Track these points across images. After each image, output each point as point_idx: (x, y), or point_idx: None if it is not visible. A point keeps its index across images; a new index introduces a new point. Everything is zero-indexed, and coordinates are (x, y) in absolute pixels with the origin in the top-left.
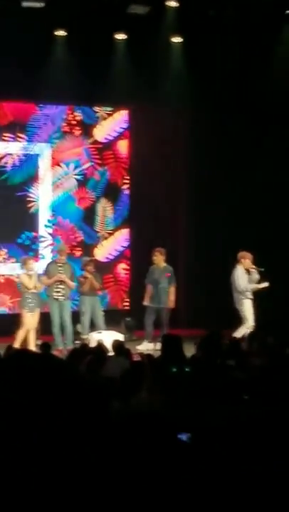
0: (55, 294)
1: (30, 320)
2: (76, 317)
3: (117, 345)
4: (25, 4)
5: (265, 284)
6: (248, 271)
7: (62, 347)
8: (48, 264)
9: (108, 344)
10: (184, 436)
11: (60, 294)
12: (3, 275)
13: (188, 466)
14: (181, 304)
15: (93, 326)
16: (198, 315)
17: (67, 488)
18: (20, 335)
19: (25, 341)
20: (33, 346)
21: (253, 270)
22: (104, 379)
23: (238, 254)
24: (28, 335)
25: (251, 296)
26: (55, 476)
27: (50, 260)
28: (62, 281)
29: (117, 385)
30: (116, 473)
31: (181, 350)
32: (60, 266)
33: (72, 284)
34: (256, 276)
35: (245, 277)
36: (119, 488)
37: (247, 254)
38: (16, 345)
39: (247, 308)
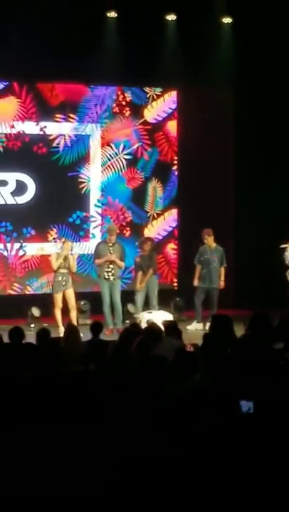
0: (105, 273)
1: (59, 299)
2: (127, 296)
3: (170, 326)
4: None
5: None
6: None
7: (112, 326)
8: (98, 244)
9: (158, 324)
10: (247, 405)
11: (110, 274)
12: None
13: (248, 442)
14: (230, 284)
15: (145, 306)
16: (247, 295)
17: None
18: (56, 314)
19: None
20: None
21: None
22: (155, 359)
23: None
24: (70, 314)
25: None
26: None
27: (100, 240)
28: (112, 261)
29: (169, 366)
30: (178, 452)
31: (232, 331)
32: (110, 246)
33: (122, 264)
34: None
35: None
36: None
37: None
38: (59, 325)
39: None
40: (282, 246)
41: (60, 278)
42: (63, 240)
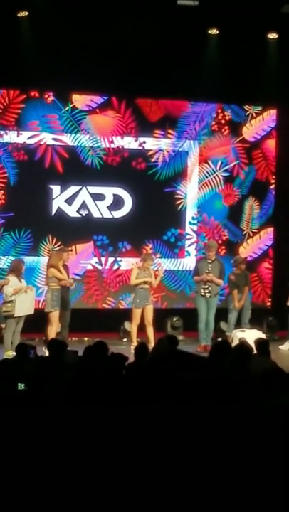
0: (202, 291)
1: (139, 315)
2: (219, 314)
3: (262, 344)
4: (180, 2)
5: None
6: None
7: (205, 343)
8: (198, 261)
9: (251, 343)
10: None
11: (206, 291)
12: None
13: None
14: None
15: (237, 324)
16: None
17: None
18: (132, 329)
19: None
20: (152, 343)
21: None
22: (249, 376)
23: None
24: (146, 329)
25: None
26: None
27: (201, 256)
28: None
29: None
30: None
31: None
32: (209, 262)
33: (220, 282)
34: None
35: None
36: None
37: None
38: (133, 340)
39: None
40: None
41: (142, 293)
42: (144, 253)
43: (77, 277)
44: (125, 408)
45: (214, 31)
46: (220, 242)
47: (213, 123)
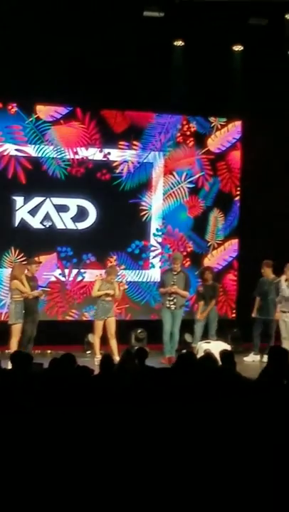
0: (167, 302)
1: (100, 327)
2: (184, 326)
3: (227, 355)
4: (146, 14)
5: None
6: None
7: (170, 355)
8: (164, 272)
9: (216, 354)
10: None
11: (172, 303)
12: None
13: None
14: None
15: (204, 335)
16: None
17: None
18: (95, 342)
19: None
20: (116, 355)
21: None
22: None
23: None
24: (110, 342)
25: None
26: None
27: (166, 268)
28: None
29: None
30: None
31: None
32: (174, 274)
33: (185, 293)
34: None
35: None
36: None
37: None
38: (96, 352)
39: None
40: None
41: (104, 306)
42: (108, 265)
43: (46, 289)
44: (92, 414)
45: (180, 43)
46: (185, 253)
47: (179, 134)
